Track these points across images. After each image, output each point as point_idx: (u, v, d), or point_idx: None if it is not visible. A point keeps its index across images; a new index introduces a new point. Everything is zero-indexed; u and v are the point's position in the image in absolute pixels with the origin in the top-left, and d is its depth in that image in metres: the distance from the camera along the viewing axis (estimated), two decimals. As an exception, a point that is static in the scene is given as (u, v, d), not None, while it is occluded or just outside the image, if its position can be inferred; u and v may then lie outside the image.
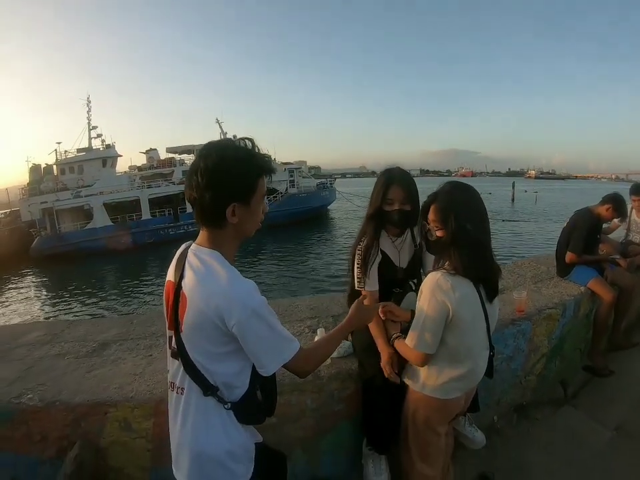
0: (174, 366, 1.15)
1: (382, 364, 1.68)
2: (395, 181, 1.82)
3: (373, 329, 1.81)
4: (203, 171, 1.03)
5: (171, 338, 1.14)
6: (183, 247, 1.18)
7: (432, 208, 1.43)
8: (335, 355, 1.95)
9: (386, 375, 1.66)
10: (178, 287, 1.09)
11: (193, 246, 1.14)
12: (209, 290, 1.04)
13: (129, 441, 1.77)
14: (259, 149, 1.11)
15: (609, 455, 2.27)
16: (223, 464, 1.12)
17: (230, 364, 1.10)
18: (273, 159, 31.23)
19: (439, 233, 1.41)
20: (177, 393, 1.14)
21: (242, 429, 1.17)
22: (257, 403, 1.18)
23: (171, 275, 1.16)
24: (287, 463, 1.49)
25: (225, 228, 1.09)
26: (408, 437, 1.63)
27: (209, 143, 1.11)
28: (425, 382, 1.52)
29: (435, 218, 1.41)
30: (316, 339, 1.93)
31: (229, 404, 1.12)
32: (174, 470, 1.19)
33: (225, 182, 1.04)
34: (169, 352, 1.17)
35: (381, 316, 1.70)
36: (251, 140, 1.10)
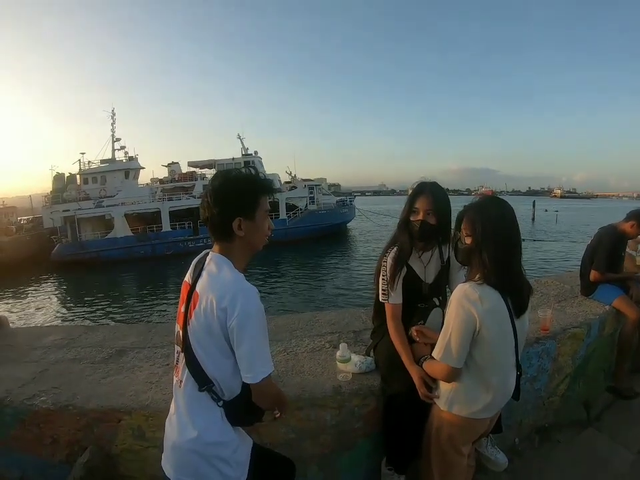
0: (181, 360, 1.23)
1: (417, 386, 1.60)
2: (424, 191, 1.79)
3: (397, 344, 1.76)
4: (211, 191, 1.20)
5: (178, 333, 1.25)
6: (202, 253, 1.31)
7: (464, 217, 1.44)
8: (356, 370, 1.90)
9: (422, 397, 1.58)
10: (193, 287, 1.22)
11: (211, 253, 1.27)
12: (216, 286, 1.16)
13: (142, 450, 1.75)
14: (260, 174, 1.29)
15: (633, 477, 2.17)
16: (207, 460, 1.18)
17: (229, 362, 1.18)
18: (293, 175, 31.41)
19: (467, 240, 1.42)
20: (178, 385, 1.24)
21: (232, 428, 1.22)
22: (249, 403, 1.22)
23: (188, 276, 1.28)
24: (294, 471, 1.48)
25: (234, 241, 1.23)
26: (430, 456, 1.57)
27: (217, 171, 1.37)
28: (452, 400, 1.47)
29: (466, 225, 1.43)
30: (338, 353, 1.89)
31: (222, 401, 1.20)
32: (163, 459, 1.24)
33: (230, 198, 1.19)
34: (177, 347, 1.26)
35: (414, 337, 1.66)
36: (253, 167, 1.30)
